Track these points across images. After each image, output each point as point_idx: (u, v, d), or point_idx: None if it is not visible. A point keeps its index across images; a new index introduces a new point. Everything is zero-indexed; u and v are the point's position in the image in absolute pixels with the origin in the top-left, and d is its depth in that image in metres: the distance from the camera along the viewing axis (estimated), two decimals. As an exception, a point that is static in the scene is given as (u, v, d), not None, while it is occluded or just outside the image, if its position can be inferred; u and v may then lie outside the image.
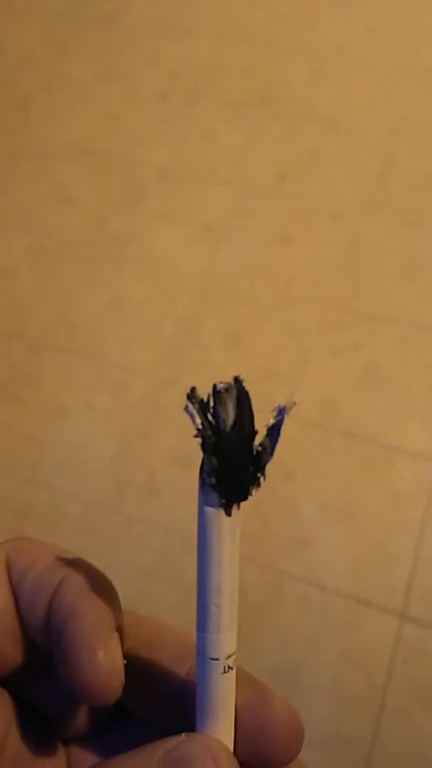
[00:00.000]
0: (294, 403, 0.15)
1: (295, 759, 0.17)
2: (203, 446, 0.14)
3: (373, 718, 0.76)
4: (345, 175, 1.33)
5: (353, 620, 0.83)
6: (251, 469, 0.15)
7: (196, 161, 1.35)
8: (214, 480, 0.15)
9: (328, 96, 1.46)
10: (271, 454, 0.15)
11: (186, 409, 0.14)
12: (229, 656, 0.16)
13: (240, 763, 0.16)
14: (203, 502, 0.15)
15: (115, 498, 0.95)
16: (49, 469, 0.98)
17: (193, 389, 0.14)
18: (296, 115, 1.43)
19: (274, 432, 0.15)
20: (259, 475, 0.15)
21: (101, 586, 0.17)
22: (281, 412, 0.15)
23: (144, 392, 1.05)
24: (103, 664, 0.16)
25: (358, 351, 1.10)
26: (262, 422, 0.15)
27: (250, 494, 0.15)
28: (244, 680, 0.17)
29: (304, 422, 1.00)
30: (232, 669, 0.16)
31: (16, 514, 0.95)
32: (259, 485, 0.15)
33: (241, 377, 0.15)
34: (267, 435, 0.15)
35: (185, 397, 0.14)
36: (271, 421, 0.15)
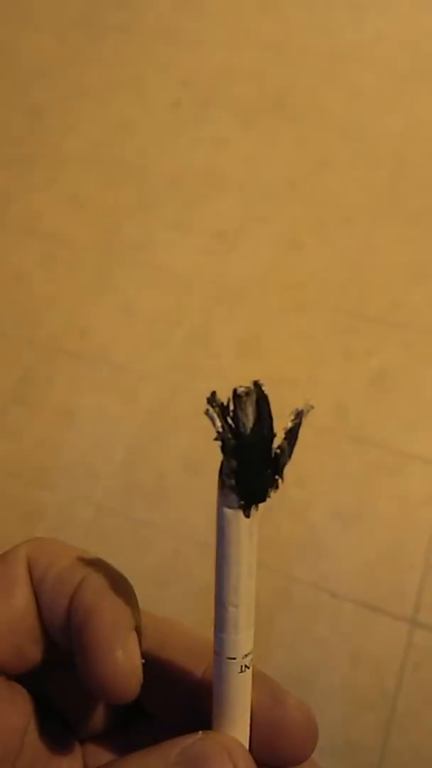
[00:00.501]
0: (311, 407, 0.15)
1: (309, 758, 0.17)
2: (223, 449, 0.15)
3: (384, 723, 0.75)
4: (356, 180, 1.33)
5: (364, 626, 0.82)
6: (269, 471, 0.15)
7: (208, 168, 1.36)
8: (233, 482, 0.15)
9: (339, 101, 1.47)
10: (289, 456, 0.15)
11: (206, 412, 0.15)
12: (246, 655, 0.16)
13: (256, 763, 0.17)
14: (222, 503, 0.15)
15: (125, 502, 0.96)
16: (59, 473, 0.99)
17: (213, 393, 0.15)
18: (307, 121, 1.44)
19: (292, 435, 0.15)
20: (277, 477, 0.15)
21: (120, 587, 0.17)
22: (299, 416, 0.15)
23: (154, 398, 1.06)
24: (122, 662, 0.16)
25: (370, 356, 1.09)
26: (278, 426, 0.16)
27: (269, 496, 0.15)
28: (260, 680, 0.17)
29: (316, 427, 1.00)
30: (248, 668, 0.16)
31: (27, 518, 0.95)
32: (277, 487, 0.15)
33: (261, 382, 0.15)
34: (285, 438, 0.15)
35: (205, 401, 0.15)
36: (289, 425, 0.15)
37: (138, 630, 0.17)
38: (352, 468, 0.97)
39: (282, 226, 1.27)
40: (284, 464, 0.15)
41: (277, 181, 1.34)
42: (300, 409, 0.15)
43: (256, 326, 1.14)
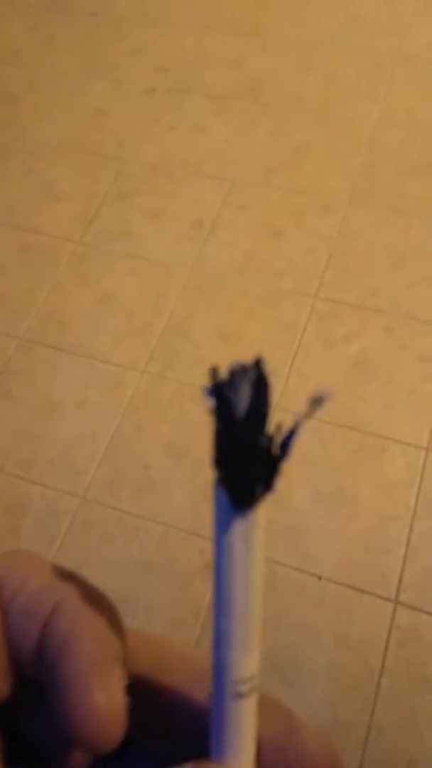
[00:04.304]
0: (329, 395, 0.13)
1: None
2: (215, 434, 0.13)
3: (369, 702, 0.77)
4: (333, 166, 1.33)
5: (348, 607, 0.84)
6: (263, 467, 0.13)
7: (185, 155, 1.35)
8: (222, 474, 0.13)
9: (315, 87, 1.46)
10: (287, 453, 0.13)
11: (203, 389, 0.13)
12: (245, 681, 0.14)
13: None
14: (216, 501, 0.13)
15: (110, 492, 0.96)
16: (43, 466, 0.99)
17: (213, 369, 0.13)
18: (284, 107, 1.43)
19: (294, 430, 0.13)
20: (271, 476, 0.13)
21: (101, 609, 0.15)
22: (316, 404, 0.13)
23: (135, 387, 1.06)
24: (102, 706, 0.14)
25: (349, 342, 1.10)
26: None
27: (260, 497, 0.13)
28: (271, 708, 0.15)
29: (297, 414, 1.01)
30: (250, 695, 0.14)
31: (12, 512, 0.95)
32: (270, 488, 0.13)
33: (263, 359, 0.13)
34: (287, 432, 0.13)
35: (208, 374, 0.13)
36: (297, 419, 0.13)
37: (124, 659, 0.15)
38: (333, 452, 0.99)
39: (260, 214, 1.27)
40: (280, 461, 0.13)
41: (253, 169, 1.34)
42: (316, 396, 0.13)
43: (236, 314, 1.15)
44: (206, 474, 0.95)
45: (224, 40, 1.57)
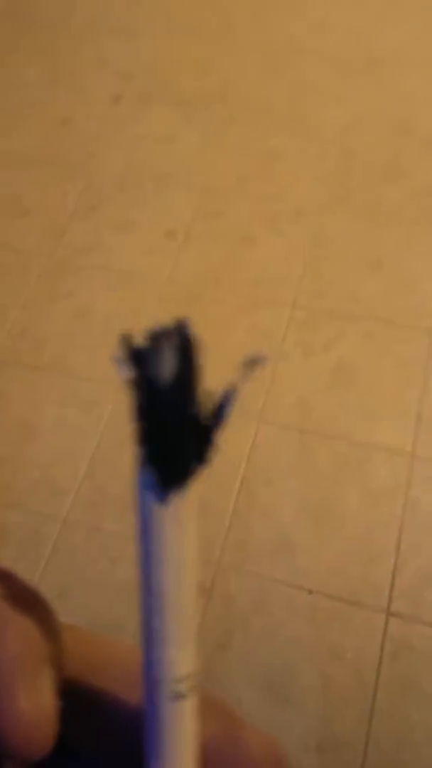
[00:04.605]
0: (263, 357, 0.12)
1: None
2: (137, 407, 0.11)
3: (366, 716, 0.76)
4: (304, 171, 1.33)
5: (340, 620, 0.83)
6: (195, 439, 0.11)
7: (154, 164, 1.34)
8: (147, 452, 0.11)
9: (283, 92, 1.46)
10: (222, 421, 0.11)
11: (114, 358, 0.11)
12: (180, 680, 0.13)
13: None
14: (138, 484, 0.11)
15: (92, 514, 0.94)
16: (22, 491, 0.96)
17: (126, 335, 0.11)
18: (253, 113, 1.43)
19: (229, 395, 0.11)
20: (205, 448, 0.11)
21: (29, 605, 0.14)
22: (250, 366, 0.11)
23: (114, 404, 1.04)
24: (27, 712, 0.13)
25: (328, 350, 1.10)
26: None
27: (194, 473, 0.11)
28: (211, 710, 0.14)
29: (281, 425, 1.00)
30: (186, 696, 0.13)
31: (-8, 538, 0.92)
32: (205, 461, 0.11)
33: (187, 320, 0.11)
34: (223, 394, 0.11)
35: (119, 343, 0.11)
36: (231, 382, 0.11)
37: (56, 659, 0.14)
38: (318, 463, 0.98)
39: (232, 222, 1.26)
40: (215, 431, 0.11)
41: (225, 176, 1.33)
42: (250, 357, 0.11)
43: (213, 325, 1.13)
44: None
45: (189, 46, 1.56)
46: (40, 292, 1.17)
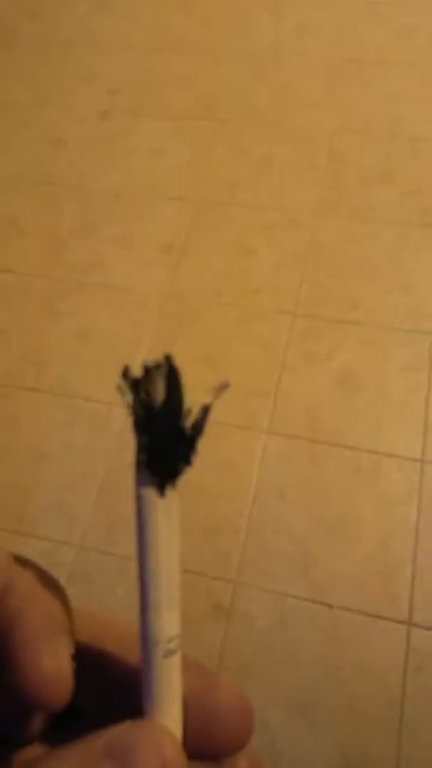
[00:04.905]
0: (227, 385, 0.16)
1: (245, 747, 0.17)
2: (135, 424, 0.15)
3: (394, 731, 0.76)
4: (295, 180, 1.32)
5: (362, 634, 0.83)
6: (181, 446, 0.15)
7: (147, 179, 1.33)
8: (144, 457, 0.15)
9: (269, 99, 1.46)
10: (201, 432, 0.15)
11: (118, 387, 0.15)
12: (171, 639, 0.16)
13: (190, 751, 0.16)
14: (137, 482, 0.15)
15: (107, 538, 0.93)
16: (35, 517, 0.95)
17: (126, 367, 0.15)
18: (241, 122, 1.42)
19: (206, 411, 0.15)
20: (190, 452, 0.15)
21: (49, 588, 0.17)
22: (216, 393, 0.16)
23: (123, 424, 1.03)
24: (49, 667, 0.15)
25: (332, 358, 1.10)
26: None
27: (182, 472, 0.15)
28: (191, 667, 0.17)
29: (291, 436, 1.00)
30: (175, 653, 0.16)
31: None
32: (190, 463, 0.15)
33: (172, 355, 0.15)
34: (201, 411, 0.15)
35: (120, 375, 0.15)
36: (206, 402, 0.15)
37: (70, 631, 0.16)
38: (329, 473, 0.98)
39: (228, 233, 1.26)
40: (196, 439, 0.15)
41: (217, 187, 1.32)
42: (217, 385, 0.16)
43: (216, 338, 1.13)
44: (204, 510, 0.93)
45: (174, 59, 1.55)
46: (41, 313, 1.16)
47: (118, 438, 1.02)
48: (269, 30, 1.59)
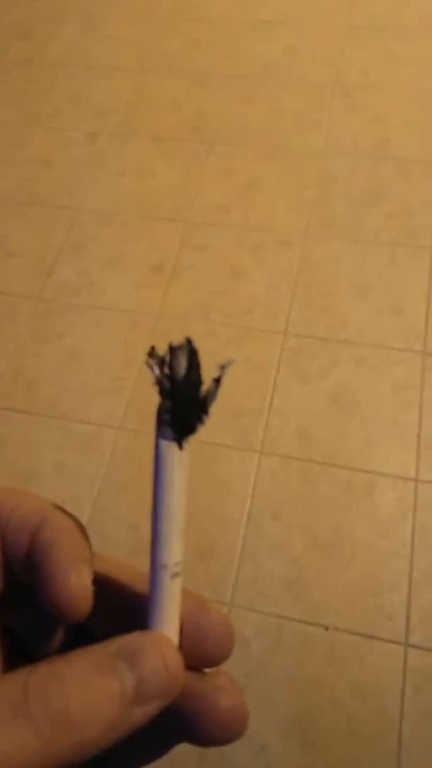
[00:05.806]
0: (233, 361, 0.19)
1: (227, 657, 0.20)
2: (161, 391, 0.18)
3: (394, 753, 0.75)
4: (285, 200, 1.34)
5: (358, 655, 0.82)
6: (198, 409, 0.18)
7: (137, 200, 1.34)
8: (168, 418, 0.18)
9: (258, 121, 1.47)
10: (215, 398, 0.18)
11: (146, 362, 0.18)
12: (177, 564, 0.19)
13: (184, 660, 0.19)
14: (159, 436, 0.18)
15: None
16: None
17: (152, 348, 0.18)
18: (230, 144, 1.44)
19: (217, 382, 0.19)
20: (204, 414, 0.19)
21: (75, 527, 0.20)
22: (223, 368, 0.19)
23: (113, 445, 1.03)
24: (76, 585, 0.19)
25: (324, 377, 1.10)
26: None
27: (197, 430, 0.19)
28: (187, 592, 0.20)
29: (284, 456, 0.99)
30: (179, 576, 0.19)
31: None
32: (203, 422, 0.18)
33: (192, 338, 0.18)
34: (212, 383, 0.19)
35: (147, 354, 0.18)
36: (216, 375, 0.19)
37: (90, 562, 0.20)
38: (323, 493, 0.97)
39: (219, 253, 1.26)
40: (210, 404, 0.18)
41: (207, 208, 1.33)
42: (224, 363, 0.19)
43: (207, 358, 1.12)
44: (198, 531, 0.92)
45: (163, 81, 1.57)
46: (31, 334, 1.15)
47: (109, 459, 1.01)
48: (256, 52, 1.61)
